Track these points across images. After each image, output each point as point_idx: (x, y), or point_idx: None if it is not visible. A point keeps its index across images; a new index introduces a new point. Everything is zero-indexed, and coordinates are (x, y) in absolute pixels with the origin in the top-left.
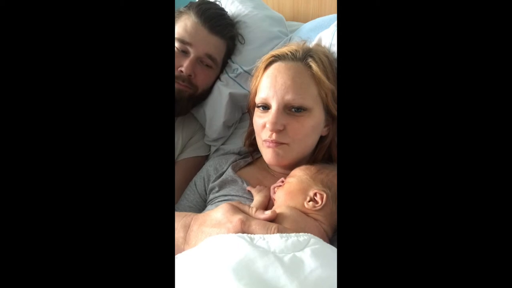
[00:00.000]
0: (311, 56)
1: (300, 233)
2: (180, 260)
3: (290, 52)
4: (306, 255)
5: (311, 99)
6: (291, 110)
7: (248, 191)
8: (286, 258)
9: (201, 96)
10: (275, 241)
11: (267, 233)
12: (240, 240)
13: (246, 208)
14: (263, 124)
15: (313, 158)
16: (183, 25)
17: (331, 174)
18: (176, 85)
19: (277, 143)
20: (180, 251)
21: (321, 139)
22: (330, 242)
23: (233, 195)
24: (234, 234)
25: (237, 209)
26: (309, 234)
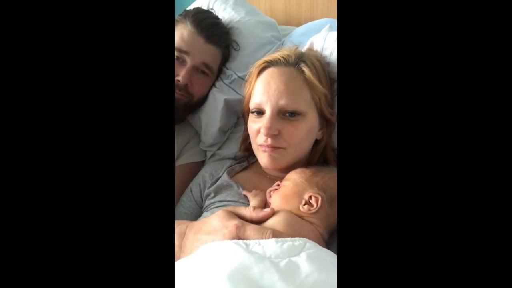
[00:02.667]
0: (304, 61)
1: (296, 238)
2: (176, 268)
3: (283, 57)
4: (301, 260)
5: (305, 103)
6: (285, 114)
7: (244, 195)
8: (282, 263)
9: (197, 104)
10: (271, 246)
11: (262, 238)
12: (236, 246)
13: (242, 210)
14: (257, 129)
15: (308, 161)
16: (180, 34)
17: (326, 176)
18: None
19: (273, 148)
20: (176, 259)
21: (316, 142)
22: (327, 245)
23: (229, 201)
24: (229, 241)
25: (232, 215)
26: (304, 238)
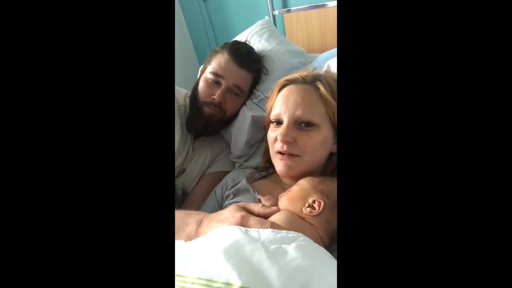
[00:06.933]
0: (319, 80)
1: (291, 231)
2: (189, 246)
3: (301, 77)
4: (291, 248)
5: (319, 116)
6: (301, 125)
7: (259, 199)
8: (272, 247)
9: (228, 120)
10: (266, 233)
11: (261, 228)
12: (236, 229)
13: (252, 205)
14: (275, 138)
15: (322, 172)
16: (218, 61)
17: (332, 185)
18: (209, 110)
19: (289, 155)
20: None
21: (331, 155)
22: (327, 250)
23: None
24: (232, 226)
25: (241, 208)
26: (300, 233)
